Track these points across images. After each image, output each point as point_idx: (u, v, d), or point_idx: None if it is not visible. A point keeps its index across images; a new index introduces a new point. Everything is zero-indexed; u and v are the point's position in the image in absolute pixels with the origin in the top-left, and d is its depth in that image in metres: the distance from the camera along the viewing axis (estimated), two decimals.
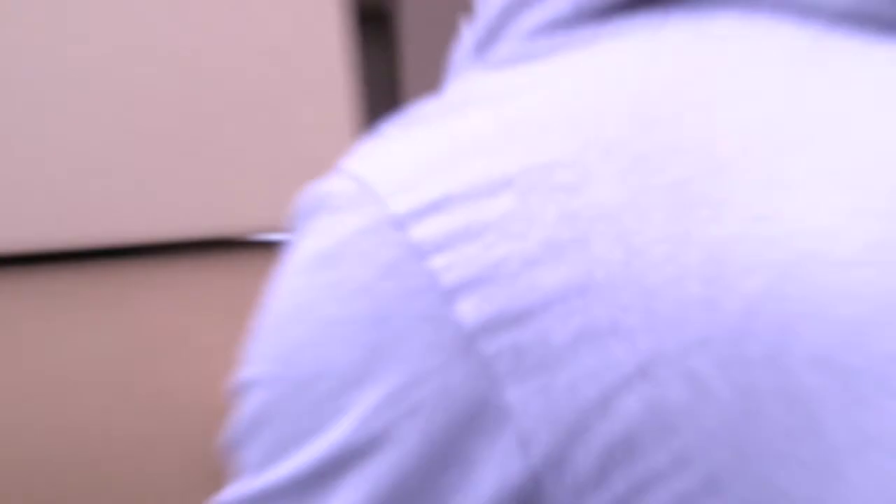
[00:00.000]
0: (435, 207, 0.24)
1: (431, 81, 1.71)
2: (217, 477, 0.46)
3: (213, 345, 0.61)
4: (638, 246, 0.24)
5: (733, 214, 0.23)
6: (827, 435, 0.23)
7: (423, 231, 0.24)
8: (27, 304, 0.57)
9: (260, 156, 0.66)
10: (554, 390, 0.23)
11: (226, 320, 0.62)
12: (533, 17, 0.28)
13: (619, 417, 0.23)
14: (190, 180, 0.54)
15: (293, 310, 0.26)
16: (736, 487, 0.23)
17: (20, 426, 0.54)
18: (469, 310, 0.23)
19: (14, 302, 0.57)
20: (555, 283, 0.23)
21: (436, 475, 0.24)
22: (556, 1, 0.28)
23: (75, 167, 0.61)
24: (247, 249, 0.64)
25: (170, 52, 0.63)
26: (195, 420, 0.58)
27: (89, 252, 0.59)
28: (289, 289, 0.26)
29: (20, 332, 0.56)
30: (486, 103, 0.26)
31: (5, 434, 0.54)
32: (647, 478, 0.23)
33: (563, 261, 0.23)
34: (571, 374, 0.23)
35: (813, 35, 0.26)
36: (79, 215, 0.60)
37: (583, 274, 0.23)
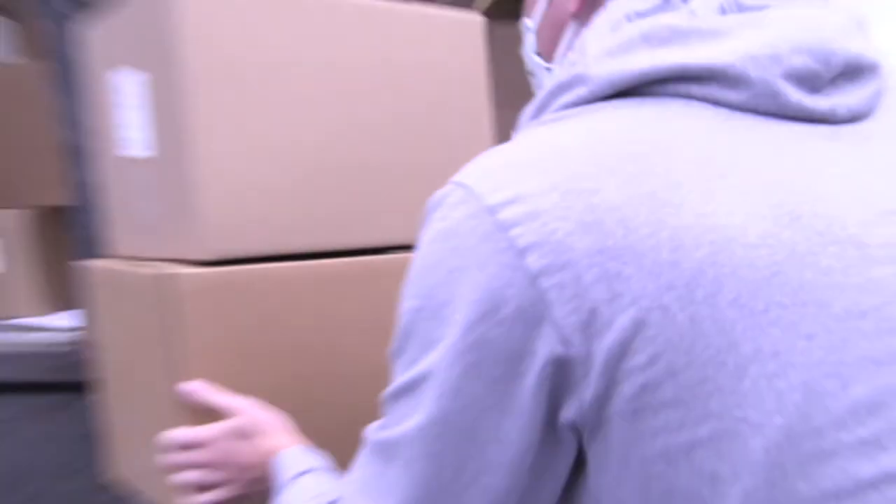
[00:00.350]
0: (512, 201, 0.40)
1: None
2: None
3: None
4: (632, 227, 0.38)
5: (686, 212, 0.39)
6: (739, 347, 0.37)
7: (506, 214, 0.40)
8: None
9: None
10: (582, 311, 0.38)
11: None
12: (564, 99, 0.46)
13: (618, 329, 0.38)
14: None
15: (429, 265, 0.44)
16: (685, 375, 0.37)
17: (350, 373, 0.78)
18: (533, 261, 0.39)
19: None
20: (584, 247, 0.38)
21: (513, 357, 0.40)
22: (577, 91, 0.45)
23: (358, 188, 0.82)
24: None
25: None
26: None
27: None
28: (425, 253, 0.44)
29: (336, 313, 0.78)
30: (539, 142, 0.45)
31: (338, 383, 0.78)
32: (631, 368, 0.38)
33: (587, 234, 0.38)
34: (592, 301, 0.38)
35: (723, 115, 0.42)
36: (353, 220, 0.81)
37: (600, 242, 0.38)
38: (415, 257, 0.46)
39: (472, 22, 0.93)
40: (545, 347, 0.39)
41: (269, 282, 0.76)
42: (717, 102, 0.43)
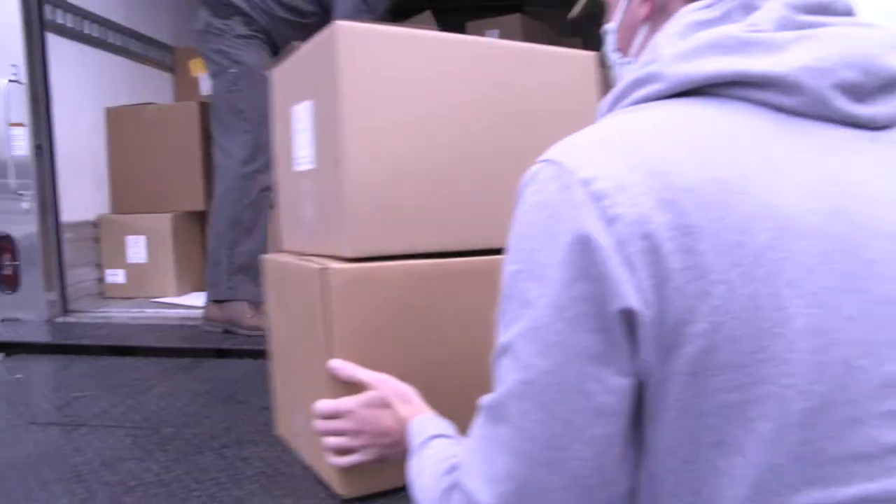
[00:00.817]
0: (602, 176, 0.43)
1: None
2: None
3: None
4: (705, 208, 0.41)
5: (753, 201, 0.42)
6: (792, 322, 0.41)
7: (597, 186, 0.43)
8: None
9: None
10: (658, 276, 0.41)
11: None
12: (641, 93, 0.50)
13: (688, 296, 0.41)
14: None
15: (528, 233, 0.46)
16: (744, 342, 0.41)
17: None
18: (621, 228, 0.42)
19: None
20: (663, 221, 0.41)
21: (605, 312, 0.42)
22: (652, 87, 0.49)
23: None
24: None
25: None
26: None
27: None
28: (524, 223, 0.47)
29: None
30: (622, 126, 0.48)
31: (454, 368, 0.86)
32: (696, 332, 0.41)
33: (666, 210, 0.42)
34: (667, 269, 0.41)
35: (779, 118, 0.45)
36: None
37: (677, 219, 0.41)
38: (513, 228, 0.48)
39: (585, 57, 1.02)
40: (629, 305, 0.42)
41: (406, 276, 0.85)
42: (772, 106, 0.46)
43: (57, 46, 2.14)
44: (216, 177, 1.90)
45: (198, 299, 2.19)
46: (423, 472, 0.59)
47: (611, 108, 0.53)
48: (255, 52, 1.87)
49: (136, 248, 2.36)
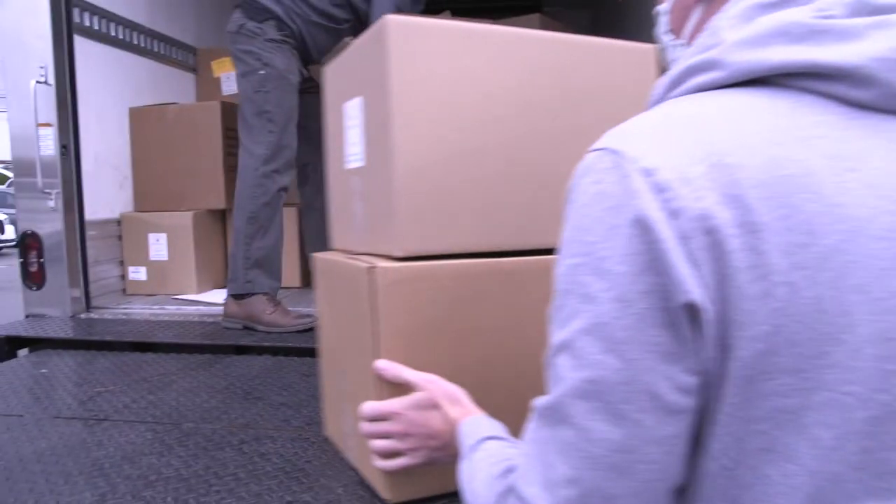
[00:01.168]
0: (665, 167, 0.41)
1: None
2: None
3: None
4: (771, 206, 0.39)
5: (820, 200, 0.40)
6: (857, 329, 0.39)
7: (660, 177, 0.41)
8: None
9: None
10: (721, 274, 0.40)
11: None
12: (700, 79, 0.47)
13: (749, 297, 0.39)
14: None
15: (587, 224, 0.43)
16: (804, 347, 0.39)
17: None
18: (684, 223, 0.40)
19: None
20: (727, 217, 0.40)
21: (671, 307, 0.40)
22: (713, 74, 0.46)
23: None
24: None
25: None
26: None
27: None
28: (582, 215, 0.44)
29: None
30: (683, 115, 0.46)
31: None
32: (755, 334, 0.39)
33: (731, 207, 0.40)
34: (731, 267, 0.39)
35: (850, 112, 0.43)
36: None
37: (741, 216, 0.40)
38: (569, 221, 0.46)
39: (646, 50, 0.97)
40: (694, 299, 0.40)
41: (455, 276, 0.83)
42: (841, 99, 0.43)
43: (83, 48, 2.18)
44: (238, 174, 1.93)
45: (218, 296, 2.22)
46: (476, 476, 0.56)
47: (666, 94, 0.50)
48: (286, 57, 1.92)
49: (158, 246, 2.40)
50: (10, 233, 10.44)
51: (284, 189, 1.92)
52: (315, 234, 2.37)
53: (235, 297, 1.89)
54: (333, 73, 1.05)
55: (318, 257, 1.05)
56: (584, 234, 0.44)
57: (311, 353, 1.69)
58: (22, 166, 2.04)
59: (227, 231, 2.53)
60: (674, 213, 0.40)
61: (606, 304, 0.41)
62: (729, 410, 0.41)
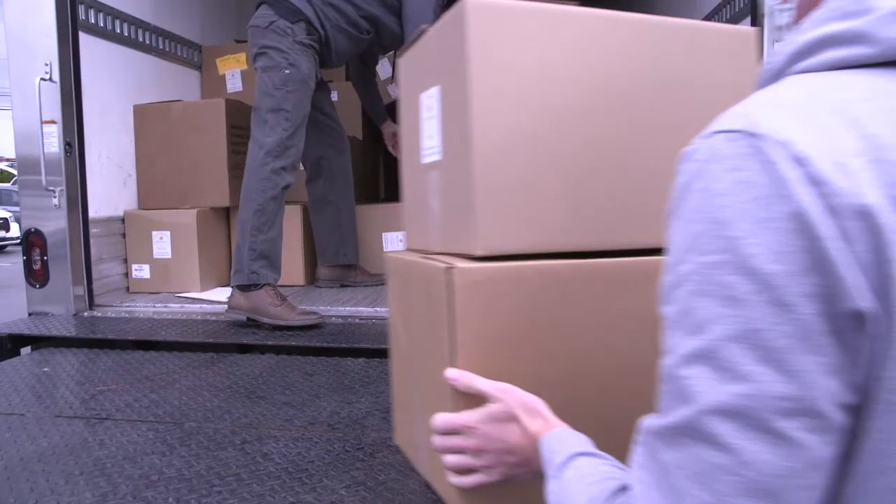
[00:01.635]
0: (819, 155, 0.37)
1: None
2: None
3: None
4: None
5: None
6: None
7: (817, 168, 0.37)
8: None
9: None
10: (881, 282, 0.36)
11: None
12: (839, 53, 0.42)
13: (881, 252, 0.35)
14: None
15: (726, 217, 0.38)
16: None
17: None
18: (846, 222, 0.36)
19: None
20: (892, 220, 0.36)
21: (837, 313, 0.36)
22: (857, 49, 0.41)
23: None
24: None
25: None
26: None
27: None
28: (717, 206, 0.39)
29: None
30: (828, 97, 0.40)
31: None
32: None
33: (895, 209, 0.36)
34: (890, 276, 0.36)
35: None
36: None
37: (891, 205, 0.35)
38: (695, 212, 0.40)
39: (746, 34, 0.89)
40: (862, 306, 0.36)
41: (538, 277, 0.75)
42: None
43: (88, 45, 2.18)
44: (246, 167, 1.95)
45: (221, 294, 2.22)
46: (572, 498, 0.51)
47: (789, 66, 0.44)
48: (310, 62, 1.98)
49: (162, 244, 2.40)
50: (15, 230, 10.49)
51: (288, 187, 1.96)
52: (329, 229, 2.38)
53: (241, 288, 1.90)
54: (409, 63, 0.97)
55: (391, 257, 0.99)
56: (723, 227, 0.38)
57: (314, 351, 1.70)
58: (26, 164, 2.03)
59: (231, 229, 2.53)
60: (833, 210, 0.36)
61: (760, 307, 0.36)
62: (870, 436, 0.37)
